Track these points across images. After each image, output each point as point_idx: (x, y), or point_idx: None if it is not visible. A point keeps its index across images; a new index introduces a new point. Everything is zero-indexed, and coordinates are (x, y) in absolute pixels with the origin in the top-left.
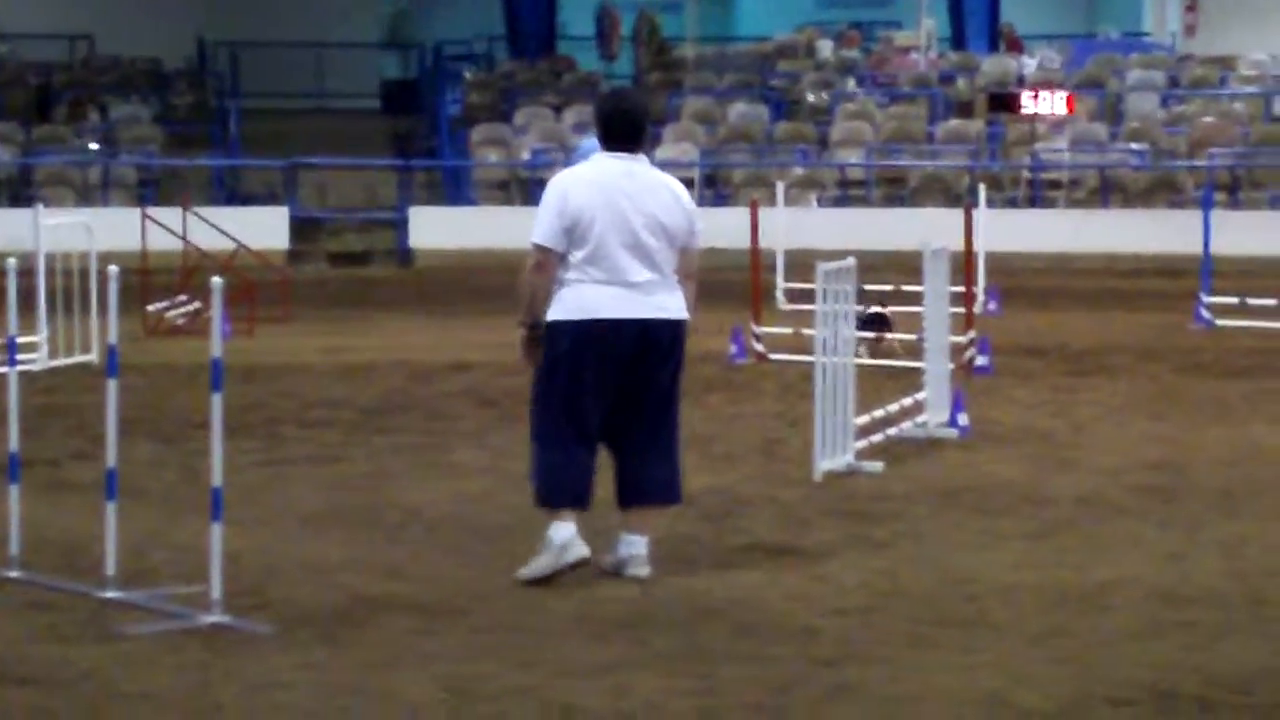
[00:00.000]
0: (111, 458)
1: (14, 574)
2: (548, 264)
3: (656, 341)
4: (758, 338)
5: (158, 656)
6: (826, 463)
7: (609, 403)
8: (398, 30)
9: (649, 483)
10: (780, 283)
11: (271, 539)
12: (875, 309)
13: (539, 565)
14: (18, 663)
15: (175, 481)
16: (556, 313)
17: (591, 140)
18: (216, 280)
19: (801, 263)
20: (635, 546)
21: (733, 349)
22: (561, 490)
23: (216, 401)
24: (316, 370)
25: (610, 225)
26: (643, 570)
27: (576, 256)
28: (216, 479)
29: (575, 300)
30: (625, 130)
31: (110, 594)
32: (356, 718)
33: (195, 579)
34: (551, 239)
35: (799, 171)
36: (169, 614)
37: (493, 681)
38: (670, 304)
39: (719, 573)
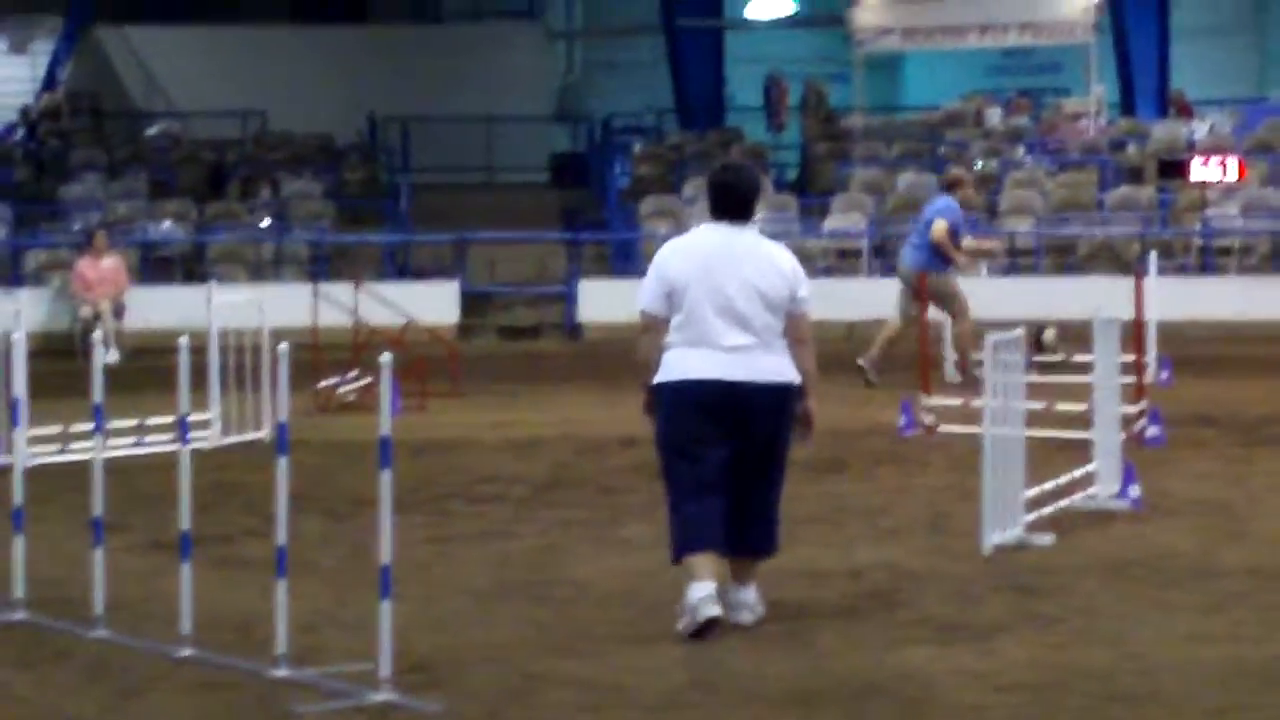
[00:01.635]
0: (282, 535)
1: (186, 652)
2: (651, 328)
3: (750, 403)
4: (927, 409)
5: None
6: (996, 536)
7: (723, 455)
8: (567, 104)
9: (743, 537)
10: (949, 354)
11: (441, 616)
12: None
13: (680, 626)
14: None
15: (345, 558)
16: (658, 377)
17: None
18: (386, 356)
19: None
20: (740, 593)
21: (902, 421)
22: (689, 541)
23: (386, 478)
24: (486, 445)
25: (704, 291)
26: (745, 616)
27: (675, 321)
28: (386, 556)
29: (669, 363)
30: (729, 202)
31: (281, 672)
32: None
33: (365, 656)
34: (652, 304)
35: (969, 241)
36: (339, 692)
37: None
38: (767, 366)
39: (886, 648)
